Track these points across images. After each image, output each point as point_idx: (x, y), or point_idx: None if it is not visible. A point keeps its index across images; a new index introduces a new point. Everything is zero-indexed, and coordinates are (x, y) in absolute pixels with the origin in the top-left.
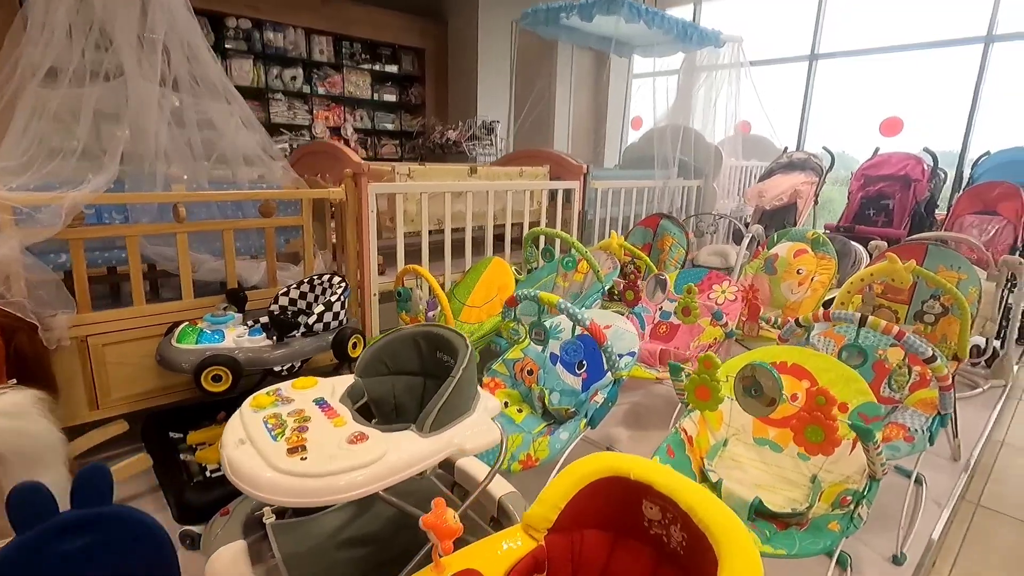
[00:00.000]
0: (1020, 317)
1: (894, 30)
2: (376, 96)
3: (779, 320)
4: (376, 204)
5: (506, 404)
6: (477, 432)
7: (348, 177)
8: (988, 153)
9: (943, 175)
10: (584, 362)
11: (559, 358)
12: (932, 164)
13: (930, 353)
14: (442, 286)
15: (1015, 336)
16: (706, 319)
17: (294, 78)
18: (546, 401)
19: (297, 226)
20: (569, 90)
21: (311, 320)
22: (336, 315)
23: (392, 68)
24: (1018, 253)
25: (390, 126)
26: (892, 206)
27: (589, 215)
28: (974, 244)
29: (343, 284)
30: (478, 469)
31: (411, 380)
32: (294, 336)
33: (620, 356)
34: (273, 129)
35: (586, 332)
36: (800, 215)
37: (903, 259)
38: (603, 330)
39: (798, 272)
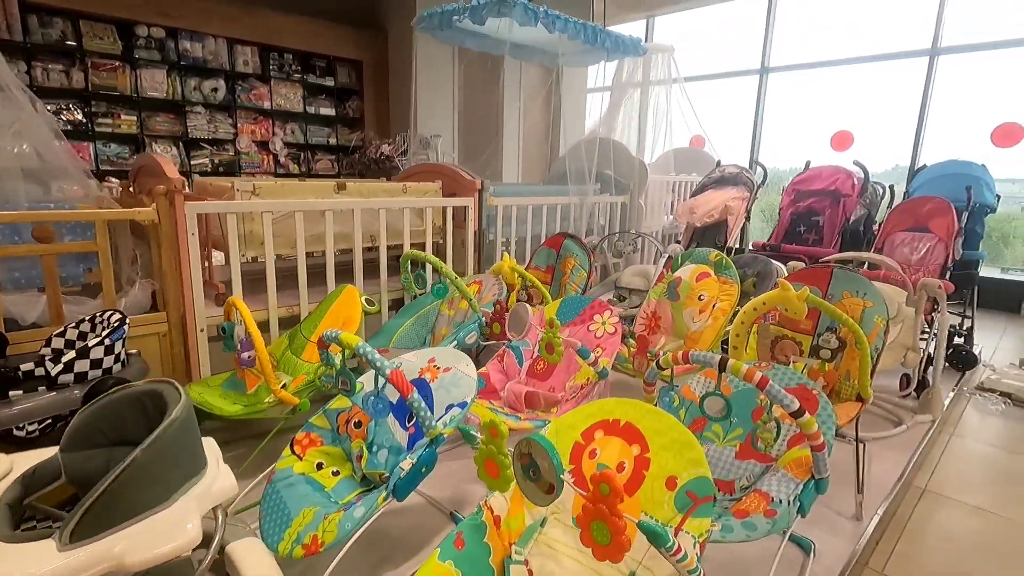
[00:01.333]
0: (946, 344)
1: (844, 43)
2: (310, 109)
3: (669, 355)
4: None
5: (320, 466)
6: (155, 536)
7: (160, 195)
8: (924, 167)
9: (880, 190)
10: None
11: (392, 407)
12: (863, 177)
13: (795, 406)
14: (297, 319)
15: (942, 365)
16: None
17: (215, 90)
18: (363, 462)
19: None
20: (519, 103)
21: (55, 370)
22: (98, 362)
23: (327, 80)
24: (949, 274)
25: (326, 140)
26: (822, 223)
27: (491, 235)
28: (890, 265)
29: (119, 323)
30: (257, 558)
31: None
32: (38, 391)
33: (450, 407)
34: (192, 143)
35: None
36: (731, 232)
37: (808, 284)
38: (440, 373)
39: (699, 298)
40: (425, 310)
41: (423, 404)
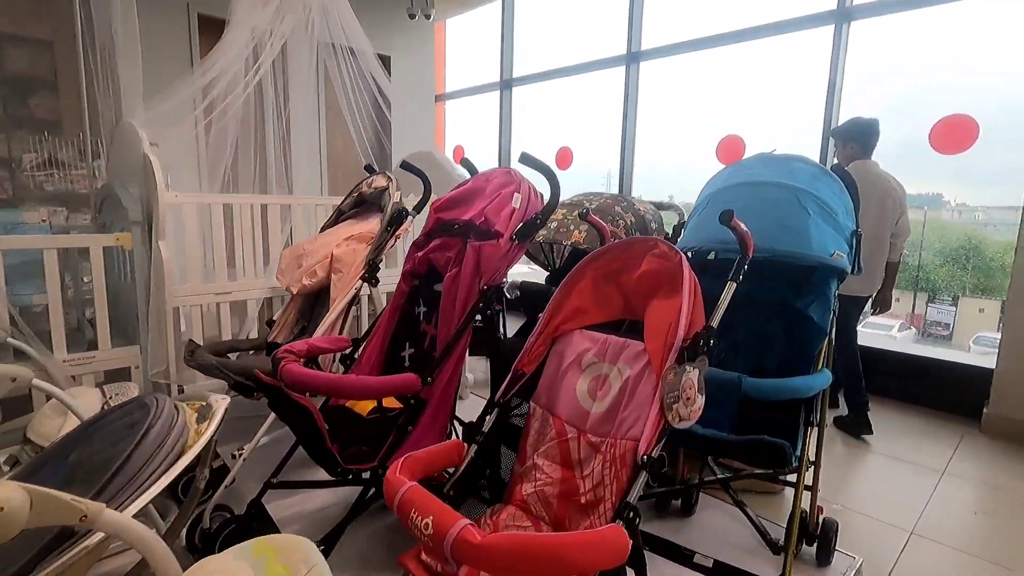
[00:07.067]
0: None
1: (730, 19)
2: None
3: None
4: None
5: None
6: None
7: None
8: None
9: (670, 217)
10: None
11: None
12: (554, 191)
13: None
14: None
15: None
16: None
17: None
18: None
19: None
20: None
21: None
22: None
23: None
24: (652, 454)
25: None
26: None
27: None
28: None
29: None
30: None
31: None
32: None
33: None
34: None
35: None
36: (332, 306)
37: None
38: None
39: None
40: None
41: None
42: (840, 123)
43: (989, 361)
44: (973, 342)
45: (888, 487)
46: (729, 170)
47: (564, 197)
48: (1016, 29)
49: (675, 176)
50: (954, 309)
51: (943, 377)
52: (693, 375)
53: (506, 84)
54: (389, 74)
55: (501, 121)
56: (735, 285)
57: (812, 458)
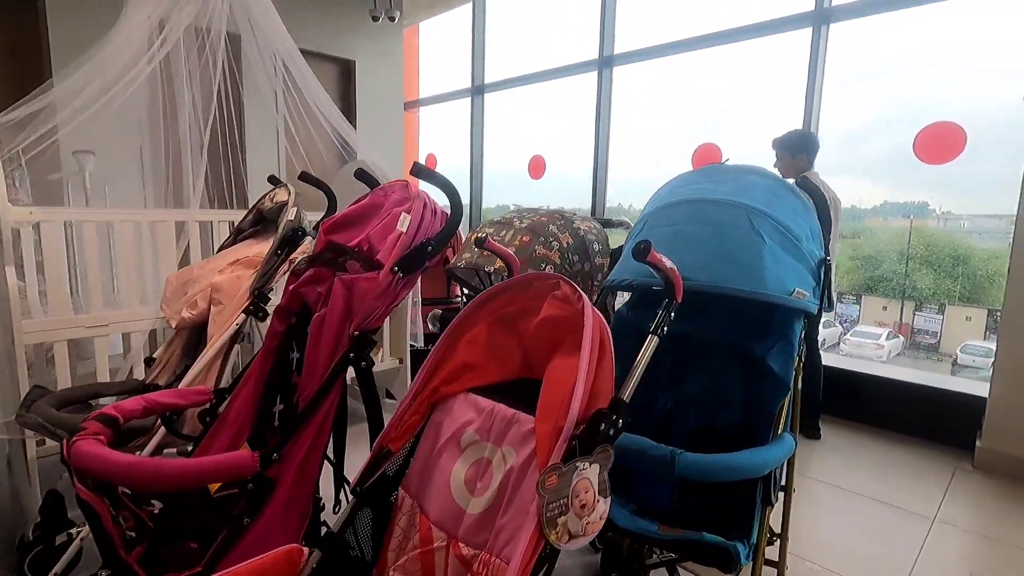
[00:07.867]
0: None
1: (706, 22)
2: None
3: None
4: None
5: None
6: None
7: None
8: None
9: (608, 241)
10: None
11: None
12: (455, 209)
13: None
14: None
15: None
16: None
17: None
18: None
19: None
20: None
21: None
22: None
23: None
24: None
25: None
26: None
27: None
28: None
29: None
30: None
31: None
32: None
33: None
34: None
35: None
36: (209, 345)
37: None
38: None
39: None
40: None
41: None
42: (800, 133)
43: (981, 388)
44: (961, 351)
45: (871, 539)
46: (673, 183)
47: (528, 208)
48: (1012, 29)
49: (663, 183)
50: (941, 317)
51: (932, 404)
52: (590, 473)
53: (477, 90)
54: (353, 79)
55: (473, 128)
56: (656, 340)
57: (778, 529)
